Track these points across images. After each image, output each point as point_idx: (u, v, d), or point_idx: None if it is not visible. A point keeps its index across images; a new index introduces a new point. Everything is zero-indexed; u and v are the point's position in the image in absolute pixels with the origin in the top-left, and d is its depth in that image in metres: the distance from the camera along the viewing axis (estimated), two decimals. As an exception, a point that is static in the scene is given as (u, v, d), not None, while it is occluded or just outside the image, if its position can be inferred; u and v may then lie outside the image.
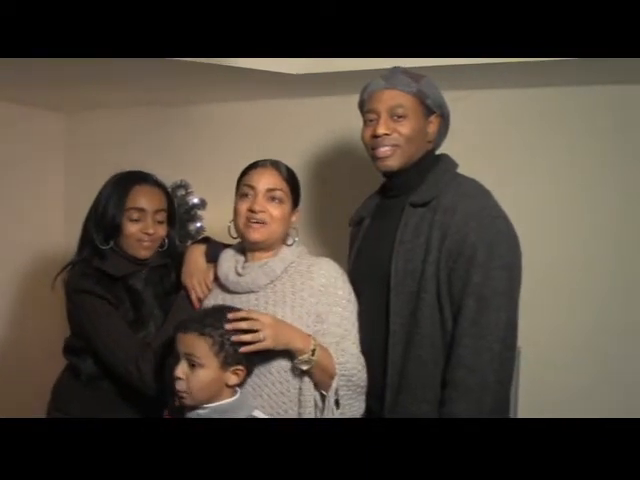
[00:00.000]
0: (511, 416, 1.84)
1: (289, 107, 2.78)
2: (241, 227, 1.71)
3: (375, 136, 1.77)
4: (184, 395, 1.50)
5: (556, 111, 2.43)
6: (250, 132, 2.85)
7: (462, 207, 1.69)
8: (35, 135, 3.16)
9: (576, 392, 2.35)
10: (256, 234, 1.69)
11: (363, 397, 1.70)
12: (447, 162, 1.84)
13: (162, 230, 1.94)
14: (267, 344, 1.53)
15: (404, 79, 1.77)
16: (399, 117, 1.75)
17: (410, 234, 1.73)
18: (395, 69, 1.82)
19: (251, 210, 1.68)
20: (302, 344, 1.58)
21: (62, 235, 3.14)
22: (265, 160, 1.74)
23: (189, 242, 2.25)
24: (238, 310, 1.57)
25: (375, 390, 1.71)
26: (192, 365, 1.50)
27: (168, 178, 2.16)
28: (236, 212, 1.72)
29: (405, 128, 1.75)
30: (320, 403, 1.62)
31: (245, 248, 1.76)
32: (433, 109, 1.80)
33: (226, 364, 1.51)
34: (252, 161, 1.75)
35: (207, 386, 1.50)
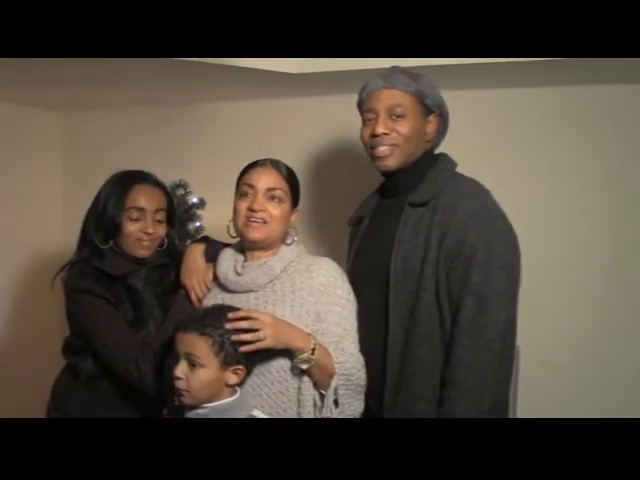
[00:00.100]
0: (510, 416, 1.84)
1: (288, 107, 2.78)
2: (241, 226, 1.71)
3: (374, 135, 1.77)
4: (184, 395, 1.51)
5: (556, 111, 2.42)
6: (250, 131, 2.84)
7: (461, 207, 1.69)
8: (34, 135, 3.15)
9: (575, 392, 2.35)
10: (256, 233, 1.69)
11: (362, 396, 1.70)
12: (446, 161, 1.84)
13: (162, 229, 1.94)
14: (267, 343, 1.53)
15: (403, 78, 1.77)
16: (398, 116, 1.75)
17: (409, 234, 1.73)
18: (394, 68, 1.82)
19: (251, 209, 1.68)
20: (302, 343, 1.58)
21: (61, 234, 3.14)
22: (265, 159, 1.74)
23: (188, 241, 2.25)
24: (238, 309, 1.57)
25: (374, 389, 1.71)
26: (192, 365, 1.50)
27: (167, 177, 2.16)
28: (236, 211, 1.72)
29: (404, 127, 1.75)
30: (319, 402, 1.62)
31: (244, 247, 1.76)
32: (432, 108, 1.80)
33: (226, 364, 1.51)
34: (251, 160, 1.75)
35: (207, 386, 1.50)
